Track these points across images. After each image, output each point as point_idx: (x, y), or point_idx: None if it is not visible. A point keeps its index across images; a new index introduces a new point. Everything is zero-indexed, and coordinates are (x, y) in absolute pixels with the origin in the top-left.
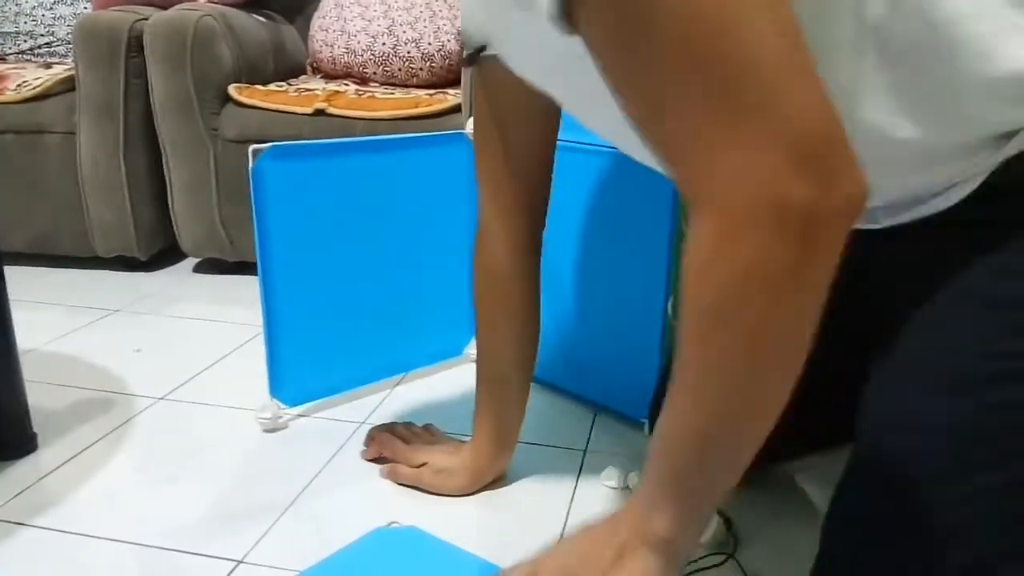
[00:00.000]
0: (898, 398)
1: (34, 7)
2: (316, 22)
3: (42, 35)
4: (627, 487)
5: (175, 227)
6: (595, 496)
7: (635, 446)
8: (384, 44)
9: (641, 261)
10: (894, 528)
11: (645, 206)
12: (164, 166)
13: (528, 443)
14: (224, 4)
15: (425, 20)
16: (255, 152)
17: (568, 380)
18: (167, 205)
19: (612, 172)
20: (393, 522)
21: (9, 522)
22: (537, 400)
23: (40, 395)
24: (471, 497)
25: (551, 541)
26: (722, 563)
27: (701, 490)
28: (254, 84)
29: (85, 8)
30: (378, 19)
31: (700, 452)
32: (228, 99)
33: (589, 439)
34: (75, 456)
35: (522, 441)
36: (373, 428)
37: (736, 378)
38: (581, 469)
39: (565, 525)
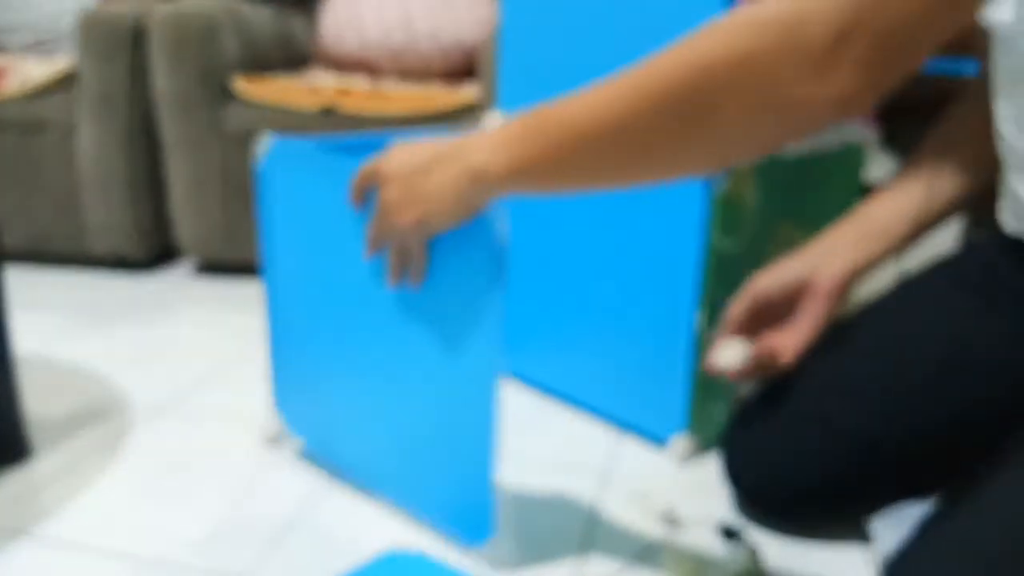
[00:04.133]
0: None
1: None
2: (328, 11)
3: (44, 28)
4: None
5: (175, 226)
6: (613, 522)
7: (656, 466)
8: (398, 35)
9: (668, 270)
10: None
11: (674, 211)
12: (165, 163)
13: (543, 463)
14: None
15: (441, 10)
16: (261, 147)
17: (588, 396)
18: (167, 203)
19: None
20: (396, 543)
21: (1, 531)
22: (555, 419)
23: (34, 402)
24: None
25: (567, 564)
26: None
27: (552, 170)
28: (260, 77)
29: (87, 0)
30: (392, 8)
31: (586, 139)
32: (233, 94)
33: (609, 460)
34: (71, 465)
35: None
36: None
37: (681, 115)
38: (599, 492)
39: (583, 544)
